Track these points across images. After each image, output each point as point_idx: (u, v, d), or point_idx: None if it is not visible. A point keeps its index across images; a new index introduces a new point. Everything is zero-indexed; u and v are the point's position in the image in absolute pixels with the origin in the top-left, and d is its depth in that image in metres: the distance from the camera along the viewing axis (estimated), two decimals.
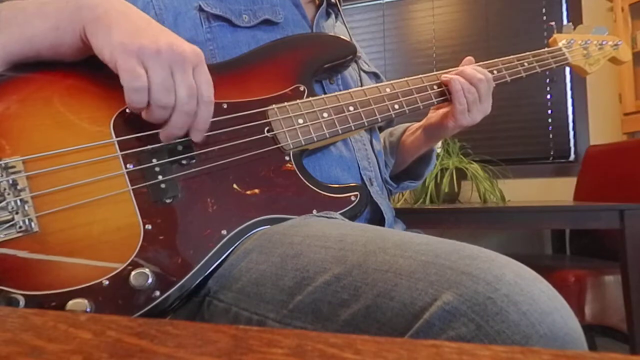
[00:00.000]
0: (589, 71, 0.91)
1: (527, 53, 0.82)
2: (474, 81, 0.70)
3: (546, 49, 0.87)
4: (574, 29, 0.94)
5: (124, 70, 0.44)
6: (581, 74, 0.92)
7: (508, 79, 0.79)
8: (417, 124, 0.86)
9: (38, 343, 0.18)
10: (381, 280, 0.37)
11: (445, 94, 0.71)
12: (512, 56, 0.81)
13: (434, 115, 0.80)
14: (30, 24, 0.46)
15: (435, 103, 0.70)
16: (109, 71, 0.46)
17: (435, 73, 0.71)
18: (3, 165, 0.42)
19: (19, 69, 0.47)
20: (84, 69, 0.49)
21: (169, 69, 0.45)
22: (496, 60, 0.79)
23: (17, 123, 0.44)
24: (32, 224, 0.42)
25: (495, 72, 0.77)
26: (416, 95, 0.67)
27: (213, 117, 0.51)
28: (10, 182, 0.42)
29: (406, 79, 0.68)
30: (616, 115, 2.14)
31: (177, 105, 0.46)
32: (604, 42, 0.92)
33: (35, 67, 0.48)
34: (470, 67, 0.72)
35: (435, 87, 0.70)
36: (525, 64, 0.81)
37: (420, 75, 0.70)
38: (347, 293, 0.38)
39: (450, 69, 0.73)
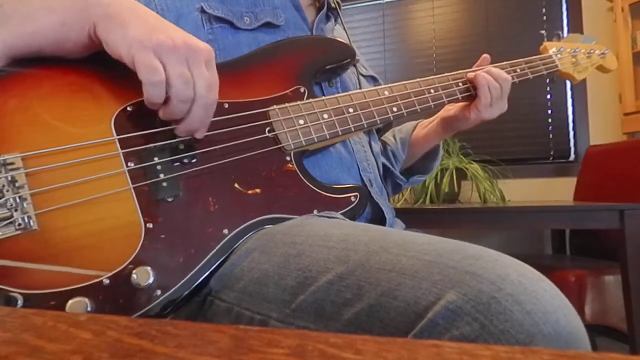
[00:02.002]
0: (578, 78, 0.93)
1: (520, 60, 0.85)
2: (500, 79, 0.77)
3: (537, 56, 0.89)
4: (565, 37, 0.98)
5: (143, 65, 0.44)
6: (571, 80, 0.95)
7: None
8: (428, 119, 0.90)
9: (38, 343, 0.18)
10: (384, 280, 0.37)
11: (443, 98, 0.72)
12: (505, 62, 0.83)
13: (452, 108, 0.83)
14: (33, 18, 0.46)
15: (433, 107, 0.71)
16: (110, 69, 0.46)
17: (432, 77, 0.72)
18: (2, 161, 0.42)
19: (20, 65, 0.46)
20: (86, 66, 0.49)
21: (186, 63, 0.45)
22: (489, 66, 0.82)
23: (17, 119, 0.44)
24: (31, 221, 0.41)
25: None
26: (414, 99, 0.68)
27: (214, 117, 0.51)
28: (9, 178, 0.42)
29: (404, 82, 0.69)
30: (616, 115, 2.14)
31: (196, 98, 0.46)
32: (591, 51, 0.95)
33: (36, 63, 0.47)
34: (495, 67, 0.80)
35: (432, 90, 0.71)
36: (518, 70, 0.83)
37: (418, 79, 0.71)
38: (350, 292, 0.38)
39: (478, 68, 0.79)
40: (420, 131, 0.90)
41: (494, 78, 0.76)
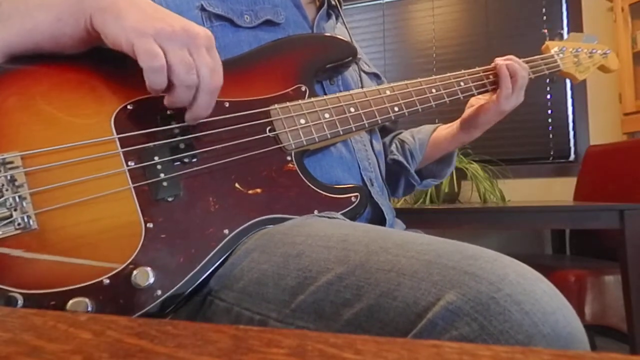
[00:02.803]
0: (579, 78, 0.93)
1: (522, 60, 0.84)
2: (523, 71, 0.79)
3: (539, 55, 0.89)
4: (567, 36, 0.97)
5: (142, 51, 0.44)
6: (572, 80, 0.95)
7: None
8: (447, 124, 0.90)
9: (38, 343, 0.18)
10: (384, 280, 0.37)
11: (444, 98, 0.72)
12: None
13: (469, 109, 0.84)
14: (31, 16, 0.46)
15: (434, 106, 0.71)
16: (110, 67, 0.46)
17: (434, 77, 0.72)
18: (1, 160, 0.42)
19: (19, 62, 0.47)
20: (85, 64, 0.49)
21: (186, 48, 0.45)
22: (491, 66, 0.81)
23: (16, 117, 0.44)
24: (31, 221, 0.41)
25: (491, 77, 0.79)
26: (415, 98, 0.68)
27: (215, 116, 0.51)
28: (9, 177, 0.42)
29: (406, 81, 0.69)
30: (616, 115, 2.14)
31: (201, 83, 0.46)
32: (593, 51, 0.95)
33: (35, 60, 0.47)
34: (516, 59, 0.81)
35: (433, 90, 0.70)
36: None
37: (420, 79, 0.70)
38: (350, 293, 0.38)
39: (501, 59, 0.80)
40: (439, 133, 0.91)
41: (520, 67, 0.78)
